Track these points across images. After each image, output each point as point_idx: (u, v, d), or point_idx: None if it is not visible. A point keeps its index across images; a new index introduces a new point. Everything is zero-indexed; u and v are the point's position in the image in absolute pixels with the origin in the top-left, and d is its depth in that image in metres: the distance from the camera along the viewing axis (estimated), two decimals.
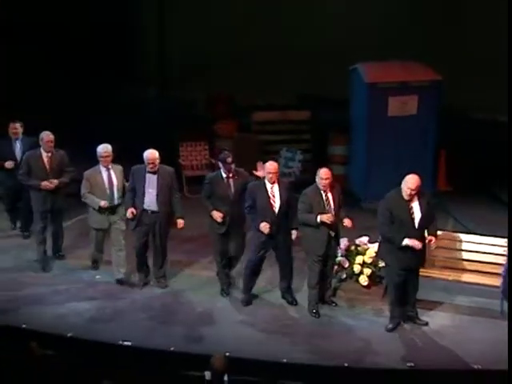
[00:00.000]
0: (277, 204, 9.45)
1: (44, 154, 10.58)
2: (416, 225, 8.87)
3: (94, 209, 10.15)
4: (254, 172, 10.85)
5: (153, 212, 9.95)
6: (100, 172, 10.15)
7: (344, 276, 10.11)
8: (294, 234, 9.58)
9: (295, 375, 8.01)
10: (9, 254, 11.28)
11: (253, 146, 14.52)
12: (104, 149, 10.11)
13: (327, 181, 9.24)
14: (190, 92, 16.56)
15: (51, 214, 10.77)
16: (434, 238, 9.00)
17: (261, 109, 15.65)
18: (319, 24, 16.34)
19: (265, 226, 9.34)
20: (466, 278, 9.68)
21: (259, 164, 11.04)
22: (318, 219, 9.15)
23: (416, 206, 8.87)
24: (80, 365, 7.26)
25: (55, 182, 10.47)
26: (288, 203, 9.46)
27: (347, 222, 9.43)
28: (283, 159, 14.49)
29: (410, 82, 13.25)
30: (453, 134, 13.96)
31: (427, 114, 13.26)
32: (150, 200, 9.92)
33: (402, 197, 8.84)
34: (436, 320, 9.34)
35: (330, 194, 9.31)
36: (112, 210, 10.16)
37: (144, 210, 9.94)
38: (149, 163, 9.84)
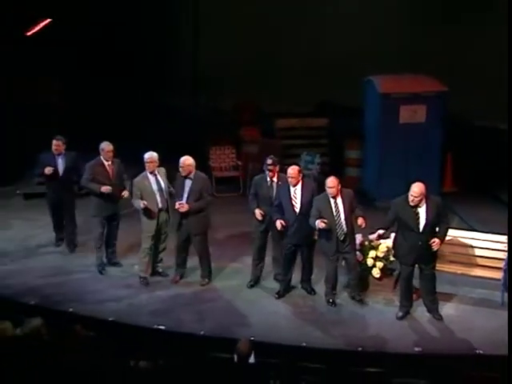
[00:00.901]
0: (297, 205, 9.45)
1: (105, 163, 10.38)
2: (420, 229, 8.81)
3: (145, 215, 9.95)
4: None
5: (185, 215, 9.90)
6: (147, 177, 9.99)
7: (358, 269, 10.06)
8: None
9: (314, 358, 8.01)
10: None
11: (276, 149, 14.45)
12: (148, 155, 9.94)
13: (333, 189, 9.18)
14: (219, 100, 16.56)
15: (108, 219, 10.54)
16: (437, 241, 8.83)
17: (283, 116, 15.66)
18: (335, 38, 16.28)
19: (278, 224, 9.42)
20: (471, 271, 9.61)
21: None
22: (317, 224, 9.12)
23: (422, 211, 8.80)
24: (119, 346, 7.27)
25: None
26: (311, 204, 9.41)
27: (360, 222, 9.39)
28: (303, 162, 14.47)
29: (420, 92, 13.30)
30: (458, 139, 13.90)
31: (434, 121, 13.29)
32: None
33: (408, 202, 8.82)
34: (442, 309, 9.27)
35: (339, 200, 9.23)
36: (164, 211, 10.03)
37: (182, 213, 9.89)
38: (181, 167, 9.82)
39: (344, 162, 14.58)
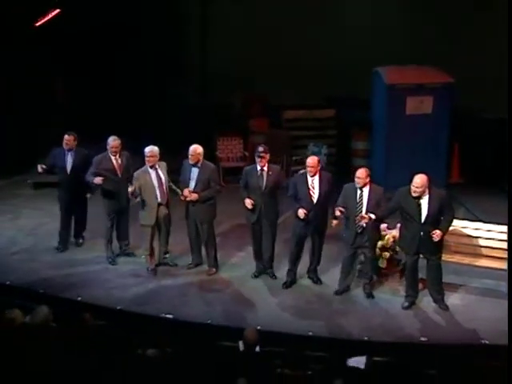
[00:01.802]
0: (315, 195, 9.45)
1: (112, 157, 10.30)
2: (422, 220, 8.81)
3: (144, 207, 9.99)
4: None
5: (193, 203, 9.94)
6: (148, 172, 9.95)
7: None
8: (334, 223, 9.54)
9: (319, 347, 8.01)
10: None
11: (283, 140, 14.53)
12: (149, 149, 9.90)
13: (359, 179, 9.13)
14: (228, 92, 16.54)
15: (118, 213, 10.52)
16: (438, 232, 8.80)
17: (290, 108, 15.64)
18: (343, 33, 16.24)
19: (301, 213, 9.36)
20: (476, 261, 9.60)
21: None
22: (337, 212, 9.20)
23: (424, 203, 8.79)
24: (127, 334, 7.29)
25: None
26: (328, 195, 9.44)
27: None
28: (310, 153, 14.44)
29: (426, 83, 13.27)
30: (465, 130, 13.86)
31: (441, 112, 13.26)
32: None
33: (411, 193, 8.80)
34: (447, 299, 9.27)
35: (365, 193, 9.16)
36: (163, 205, 10.01)
37: (189, 201, 9.93)
38: (190, 155, 9.85)
39: (351, 152, 14.56)
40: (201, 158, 9.90)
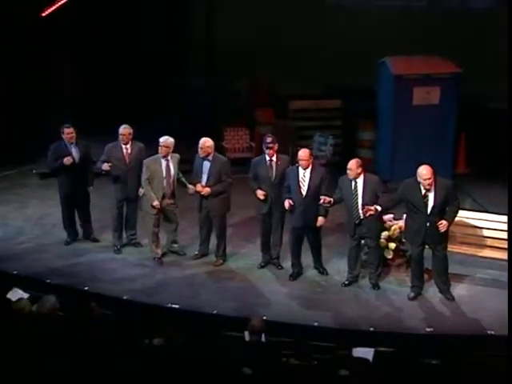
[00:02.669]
0: (305, 188, 9.43)
1: (123, 146, 10.29)
2: (428, 211, 8.80)
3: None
4: None
5: (206, 196, 9.95)
6: (159, 161, 9.98)
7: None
8: (319, 220, 9.50)
9: (325, 337, 8.03)
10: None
11: (289, 131, 14.51)
12: (163, 139, 9.91)
13: (349, 171, 9.14)
14: (233, 82, 16.51)
15: (126, 202, 10.51)
16: (445, 223, 8.79)
17: (297, 98, 15.61)
18: (351, 19, 16.21)
19: (286, 204, 9.41)
20: (482, 252, 9.60)
21: None
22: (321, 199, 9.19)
23: (431, 194, 8.78)
24: (133, 324, 7.33)
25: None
26: (319, 189, 9.40)
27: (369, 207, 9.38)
28: (316, 143, 14.48)
29: (433, 74, 13.16)
30: (471, 121, 13.81)
31: (448, 103, 13.14)
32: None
33: (418, 184, 8.78)
34: (453, 290, 9.27)
35: (360, 184, 9.17)
36: (168, 197, 10.05)
37: (202, 195, 9.95)
38: (200, 148, 9.84)
39: (357, 143, 14.52)
40: (211, 150, 9.89)
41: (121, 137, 10.29)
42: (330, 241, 10.29)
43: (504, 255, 9.35)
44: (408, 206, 9.01)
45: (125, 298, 9.11)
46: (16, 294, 7.46)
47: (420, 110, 13.11)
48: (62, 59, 15.72)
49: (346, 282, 9.59)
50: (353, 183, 9.21)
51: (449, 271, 9.24)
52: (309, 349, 6.76)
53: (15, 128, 14.01)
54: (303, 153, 9.50)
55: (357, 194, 9.20)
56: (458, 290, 9.36)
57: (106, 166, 10.13)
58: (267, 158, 9.80)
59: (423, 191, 8.76)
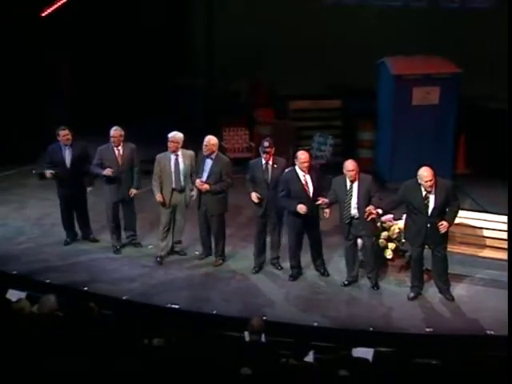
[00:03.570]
0: (310, 189, 9.42)
1: (114, 148, 10.24)
2: (429, 212, 8.81)
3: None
4: None
5: (204, 194, 9.96)
6: (169, 156, 10.00)
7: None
8: (326, 212, 9.55)
9: (325, 338, 8.03)
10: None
11: (289, 131, 14.52)
12: (171, 135, 9.93)
13: (352, 172, 9.13)
14: (233, 82, 16.52)
15: (121, 203, 10.48)
16: (445, 224, 8.80)
17: (297, 98, 15.61)
18: (350, 19, 16.22)
19: (302, 208, 9.27)
20: (481, 252, 9.61)
21: None
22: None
23: (432, 196, 8.79)
24: (132, 324, 7.33)
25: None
26: (320, 188, 9.44)
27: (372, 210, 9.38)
28: (316, 143, 14.46)
29: (433, 74, 13.16)
30: (471, 121, 13.80)
31: (448, 103, 13.15)
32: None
33: (418, 186, 8.78)
34: (453, 290, 9.28)
35: (355, 184, 9.17)
36: (178, 192, 10.06)
37: (201, 191, 9.96)
38: (204, 146, 9.85)
39: (357, 143, 14.54)
40: (215, 149, 9.90)
41: (112, 139, 10.22)
42: (330, 241, 10.28)
43: (504, 255, 9.36)
44: (409, 207, 9.01)
45: (124, 298, 9.12)
46: (13, 295, 7.46)
47: (420, 110, 13.11)
48: (62, 59, 15.73)
49: (346, 282, 9.60)
50: (348, 184, 9.21)
51: (448, 271, 9.24)
52: (308, 349, 6.75)
53: (15, 128, 14.01)
54: (304, 156, 9.44)
55: (351, 195, 9.20)
56: (458, 290, 9.37)
57: (108, 172, 10.12)
58: (263, 162, 9.80)
59: (424, 193, 8.77)
